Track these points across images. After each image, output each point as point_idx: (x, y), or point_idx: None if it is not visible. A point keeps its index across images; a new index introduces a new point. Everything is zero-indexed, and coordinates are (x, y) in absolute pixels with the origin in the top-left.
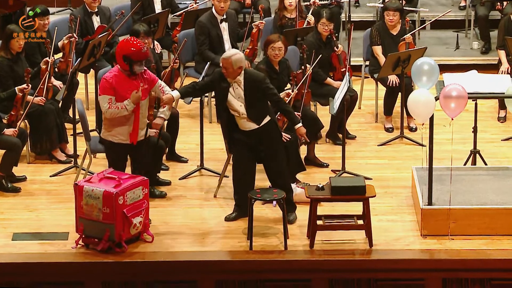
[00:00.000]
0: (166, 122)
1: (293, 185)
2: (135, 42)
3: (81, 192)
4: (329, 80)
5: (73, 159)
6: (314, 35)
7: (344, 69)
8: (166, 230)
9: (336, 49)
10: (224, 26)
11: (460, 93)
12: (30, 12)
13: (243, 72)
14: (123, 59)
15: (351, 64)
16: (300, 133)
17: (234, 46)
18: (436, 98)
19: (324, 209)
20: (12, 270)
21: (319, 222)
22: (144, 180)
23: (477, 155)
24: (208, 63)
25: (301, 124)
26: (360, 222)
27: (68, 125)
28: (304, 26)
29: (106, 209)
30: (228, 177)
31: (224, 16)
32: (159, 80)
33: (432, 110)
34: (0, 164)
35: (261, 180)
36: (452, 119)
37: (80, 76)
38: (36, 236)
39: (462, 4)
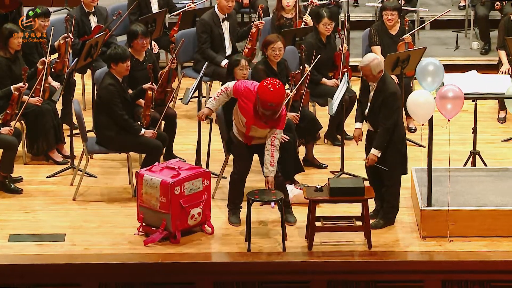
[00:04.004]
0: (163, 122)
1: (292, 186)
2: (272, 95)
3: (141, 181)
4: (324, 80)
5: (70, 160)
6: (314, 35)
7: (345, 69)
8: None
9: (341, 48)
10: (225, 25)
11: (456, 94)
12: (30, 12)
13: (382, 75)
14: (256, 95)
15: (350, 64)
16: (370, 158)
17: (234, 45)
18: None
19: (323, 210)
20: (9, 271)
21: (317, 224)
22: (205, 172)
23: (477, 156)
24: (207, 62)
25: (377, 152)
26: (359, 223)
27: (65, 126)
28: (302, 26)
29: (162, 199)
30: (226, 178)
31: (226, 15)
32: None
33: (432, 111)
34: (1, 165)
35: (260, 181)
36: (449, 120)
37: (77, 77)
38: (33, 238)
39: (462, 4)
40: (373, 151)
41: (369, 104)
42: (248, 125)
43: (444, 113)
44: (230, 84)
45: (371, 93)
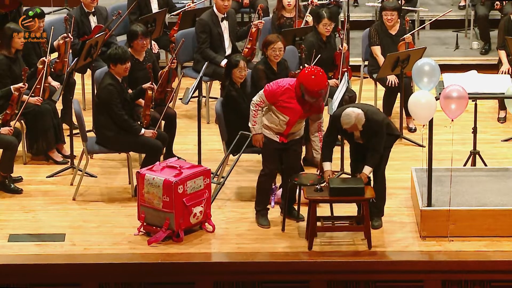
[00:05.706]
0: (163, 122)
1: None
2: (318, 82)
3: (143, 180)
4: None
5: (69, 160)
6: (314, 35)
7: (345, 69)
8: None
9: (341, 48)
10: (225, 25)
11: (461, 94)
12: (30, 12)
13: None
14: (299, 86)
15: (350, 64)
16: (364, 177)
17: (234, 45)
18: (436, 99)
19: (322, 210)
20: (9, 271)
21: (317, 224)
22: (206, 170)
23: (477, 156)
24: (207, 62)
25: (370, 171)
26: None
27: (65, 126)
28: (302, 26)
29: (166, 198)
30: (225, 178)
31: (225, 15)
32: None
33: (433, 112)
34: (1, 165)
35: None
36: (452, 120)
37: (77, 77)
38: (32, 238)
39: (462, 3)
40: (366, 169)
41: (360, 142)
42: (293, 121)
43: (448, 113)
44: (260, 97)
45: (357, 134)
